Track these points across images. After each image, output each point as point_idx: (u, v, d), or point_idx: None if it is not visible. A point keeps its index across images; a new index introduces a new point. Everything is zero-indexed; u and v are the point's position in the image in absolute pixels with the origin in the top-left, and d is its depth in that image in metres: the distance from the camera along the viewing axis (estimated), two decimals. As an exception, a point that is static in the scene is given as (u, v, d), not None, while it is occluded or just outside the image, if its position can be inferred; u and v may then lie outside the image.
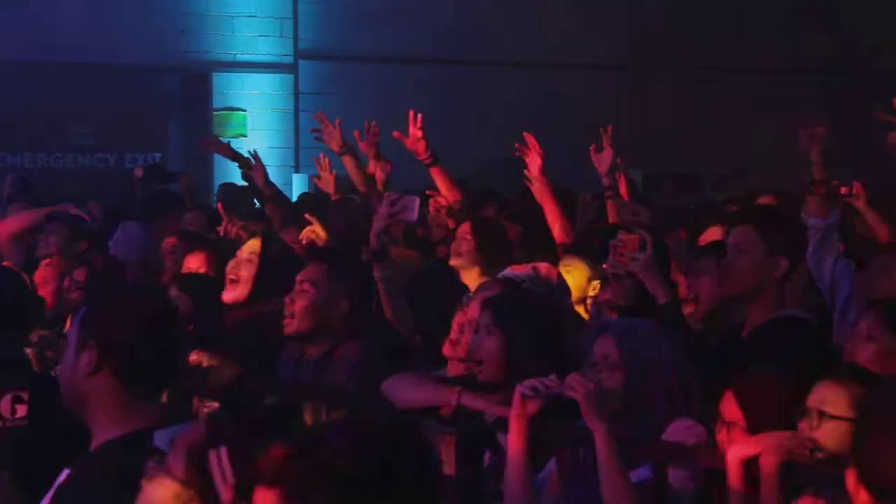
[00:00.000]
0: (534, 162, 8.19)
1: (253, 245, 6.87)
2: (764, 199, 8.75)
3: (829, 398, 4.10)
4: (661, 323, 5.44)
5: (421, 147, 8.44)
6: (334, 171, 9.37)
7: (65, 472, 3.42)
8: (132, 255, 8.17)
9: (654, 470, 4.45)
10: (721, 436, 4.41)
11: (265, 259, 6.77)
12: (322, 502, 2.38)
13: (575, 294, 6.78)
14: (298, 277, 6.20)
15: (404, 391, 5.40)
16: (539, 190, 8.20)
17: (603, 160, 8.43)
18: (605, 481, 4.38)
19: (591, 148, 8.46)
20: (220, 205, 10.02)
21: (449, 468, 4.94)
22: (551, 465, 4.79)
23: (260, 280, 6.72)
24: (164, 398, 3.64)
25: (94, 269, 7.67)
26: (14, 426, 4.51)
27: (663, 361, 4.77)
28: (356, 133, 9.07)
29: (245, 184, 10.39)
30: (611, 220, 8.29)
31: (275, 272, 6.69)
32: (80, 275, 7.61)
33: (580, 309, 6.80)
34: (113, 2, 16.96)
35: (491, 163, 14.78)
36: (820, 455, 4.01)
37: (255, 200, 10.18)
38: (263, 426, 2.85)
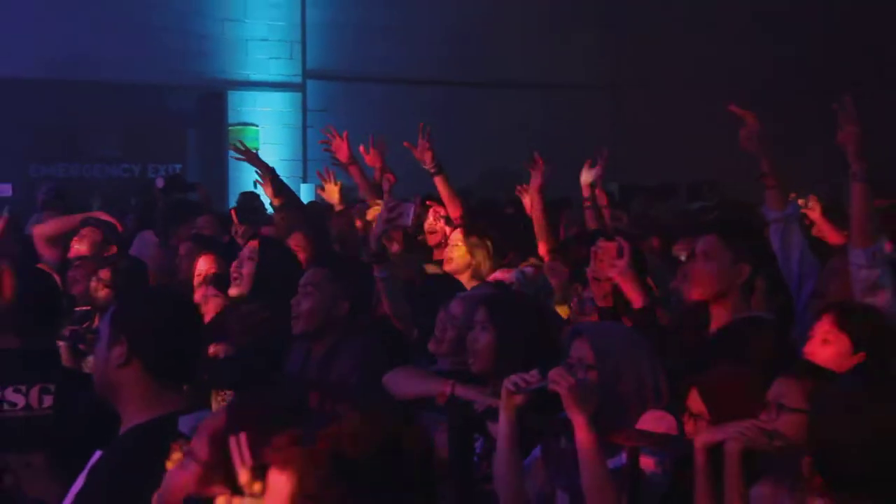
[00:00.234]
0: (536, 179, 8.24)
1: (252, 245, 6.88)
2: (730, 211, 8.77)
3: (787, 393, 4.09)
4: (635, 325, 5.49)
5: (428, 157, 8.39)
6: (339, 182, 9.37)
7: (97, 454, 3.45)
8: (147, 261, 8.17)
9: (629, 457, 4.45)
10: (688, 427, 4.43)
11: (265, 258, 6.77)
12: (328, 485, 2.37)
13: (556, 294, 6.81)
14: (302, 281, 6.19)
15: (403, 383, 5.44)
16: (533, 204, 8.25)
17: (590, 175, 8.47)
18: (584, 467, 4.39)
19: (587, 162, 8.50)
20: (233, 210, 10.01)
21: (444, 453, 4.97)
22: (537, 451, 4.81)
23: (260, 276, 6.71)
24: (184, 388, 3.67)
25: (118, 270, 7.67)
26: (41, 415, 4.52)
27: (635, 362, 4.75)
28: (361, 147, 9.07)
29: (259, 191, 10.41)
30: (589, 227, 8.31)
31: (275, 272, 6.69)
32: (105, 275, 7.61)
33: (562, 308, 6.80)
34: (138, 27, 16.93)
35: (488, 175, 14.80)
36: (778, 444, 4.01)
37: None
38: (277, 415, 2.86)
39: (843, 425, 2.90)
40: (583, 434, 4.40)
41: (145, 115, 17.67)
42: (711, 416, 4.35)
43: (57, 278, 7.44)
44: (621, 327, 5.20)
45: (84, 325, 7.09)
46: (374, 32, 18.47)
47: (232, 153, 9.95)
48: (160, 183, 9.89)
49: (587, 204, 8.52)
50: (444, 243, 7.91)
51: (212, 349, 6.15)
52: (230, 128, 18.10)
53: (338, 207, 9.19)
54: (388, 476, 2.40)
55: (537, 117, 18.53)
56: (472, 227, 7.63)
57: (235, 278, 6.75)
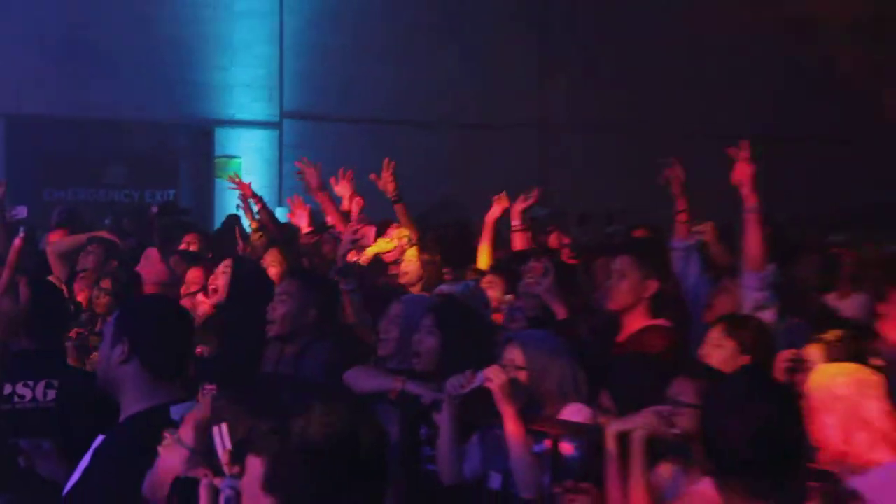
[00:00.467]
0: (496, 210, 8.40)
1: (227, 262, 6.88)
2: (638, 232, 8.82)
3: (683, 390, 4.13)
4: (558, 332, 5.51)
5: (390, 188, 8.44)
6: (308, 206, 9.34)
7: (100, 438, 3.46)
8: (150, 273, 8.14)
9: (551, 443, 4.49)
10: (600, 418, 4.46)
11: (236, 272, 6.77)
12: (297, 468, 2.38)
13: (493, 305, 6.83)
14: (277, 291, 6.16)
15: (361, 380, 5.42)
16: (485, 229, 8.38)
17: (521, 204, 8.52)
18: (513, 451, 4.44)
19: (522, 196, 8.56)
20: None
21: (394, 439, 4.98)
22: (474, 438, 4.82)
23: (233, 288, 6.71)
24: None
25: (117, 281, 7.65)
26: (45, 407, 4.51)
27: (558, 364, 4.77)
28: (332, 179, 9.06)
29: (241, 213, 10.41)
30: (516, 248, 8.39)
31: (246, 285, 6.71)
32: (106, 284, 7.59)
33: (497, 316, 6.81)
34: (140, 74, 16.87)
35: (438, 203, 14.79)
36: (677, 432, 4.06)
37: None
38: (254, 408, 2.86)
39: (728, 418, 2.93)
40: (512, 423, 4.44)
41: (145, 148, 17.62)
42: (619, 408, 4.38)
43: (65, 288, 7.45)
44: (546, 334, 5.18)
45: (88, 328, 7.06)
46: (342, 80, 18.47)
47: (229, 183, 9.93)
48: (155, 209, 9.85)
49: (516, 229, 8.56)
50: (399, 259, 7.93)
51: (198, 349, 6.13)
52: (217, 160, 18.05)
53: (306, 230, 9.18)
54: (349, 459, 2.40)
55: (481, 152, 18.55)
56: (424, 246, 7.65)
57: (213, 290, 6.75)
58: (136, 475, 2.91)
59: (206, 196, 17.68)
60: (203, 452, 2.79)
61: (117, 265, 8.19)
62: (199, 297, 7.14)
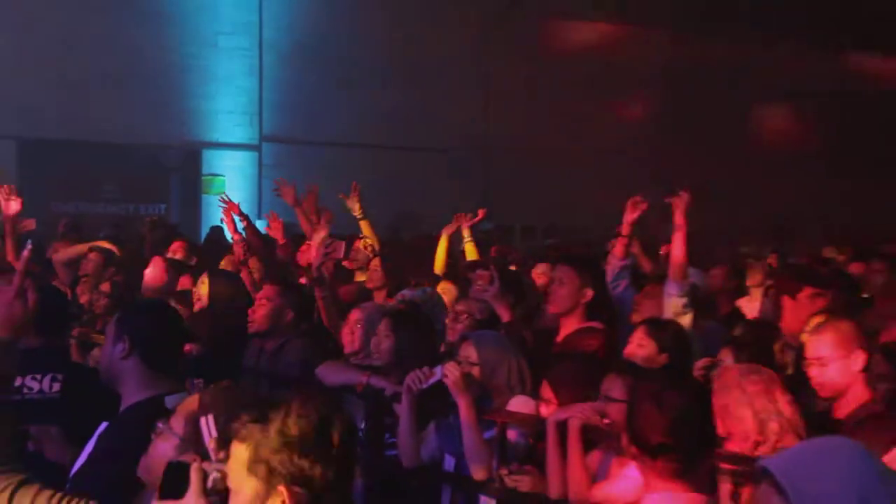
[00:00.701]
0: (452, 227, 8.49)
1: (203, 277, 6.88)
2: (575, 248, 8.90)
3: (613, 386, 4.15)
4: (505, 333, 5.52)
5: (356, 206, 8.48)
6: (282, 220, 9.30)
7: (104, 425, 3.44)
8: (153, 279, 8.10)
9: (499, 430, 4.48)
10: (542, 409, 4.47)
11: (214, 281, 6.79)
12: (276, 454, 2.37)
13: (448, 308, 6.82)
14: (258, 295, 6.18)
15: (331, 374, 5.42)
16: (441, 241, 8.44)
17: (469, 222, 8.55)
18: (466, 437, 4.43)
19: (470, 215, 8.58)
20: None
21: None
22: (431, 426, 4.82)
23: (212, 294, 6.72)
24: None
25: (115, 285, 7.60)
26: (51, 398, 4.48)
27: (506, 360, 4.77)
28: (301, 196, 9.04)
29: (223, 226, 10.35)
30: (467, 258, 8.40)
31: (222, 295, 6.73)
32: (105, 288, 7.55)
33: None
34: (136, 100, 16.79)
35: (398, 218, 14.82)
36: (607, 421, 4.07)
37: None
38: (238, 401, 2.85)
39: (649, 408, 2.95)
40: (465, 412, 4.43)
41: (139, 167, 17.51)
42: (559, 400, 4.39)
43: (69, 292, 7.38)
44: (496, 334, 5.18)
45: (89, 327, 6.99)
46: (313, 108, 18.46)
47: (215, 198, 9.87)
48: (147, 225, 9.80)
49: (467, 242, 8.59)
50: (365, 268, 7.92)
51: (186, 347, 6.10)
52: (203, 177, 18.00)
53: (281, 241, 9.15)
54: (322, 446, 2.40)
55: (433, 172, 18.59)
56: (387, 256, 7.66)
57: (197, 299, 6.75)
58: (135, 459, 2.89)
59: (193, 210, 17.65)
60: (192, 440, 2.77)
61: (115, 271, 8.14)
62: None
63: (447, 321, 5.91)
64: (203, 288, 6.71)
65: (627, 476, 3.87)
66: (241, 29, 18.31)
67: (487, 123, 20.35)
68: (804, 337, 4.41)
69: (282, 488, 2.34)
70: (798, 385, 4.17)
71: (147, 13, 17.18)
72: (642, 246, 8.63)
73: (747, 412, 3.72)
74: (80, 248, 8.52)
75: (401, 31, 19.14)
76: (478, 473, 4.43)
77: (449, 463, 4.68)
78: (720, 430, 3.72)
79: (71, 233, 10.48)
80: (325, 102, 18.50)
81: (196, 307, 6.69)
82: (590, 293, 5.51)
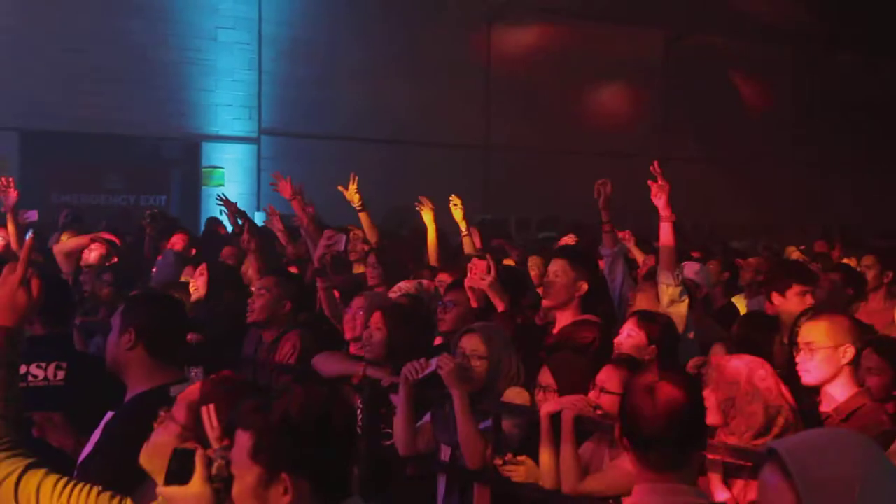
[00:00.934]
0: (429, 211, 8.41)
1: (202, 267, 6.91)
2: (566, 238, 8.87)
3: (608, 378, 4.17)
4: (500, 324, 5.51)
5: (356, 198, 8.49)
6: (279, 213, 9.30)
7: (109, 414, 3.46)
8: (163, 271, 8.13)
9: (494, 420, 4.50)
10: (539, 397, 4.47)
11: (213, 273, 6.80)
12: (279, 441, 2.40)
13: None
14: (257, 285, 6.19)
15: (327, 365, 5.41)
16: (430, 230, 8.42)
17: (459, 214, 8.55)
18: (460, 428, 4.45)
19: (451, 206, 8.58)
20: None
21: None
22: (427, 416, 4.83)
23: (210, 287, 6.75)
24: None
25: (116, 275, 7.62)
26: (56, 385, 4.51)
27: (508, 352, 4.78)
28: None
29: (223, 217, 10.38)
30: (465, 251, 8.38)
31: (220, 284, 6.76)
32: (108, 278, 7.56)
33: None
34: (138, 94, 16.82)
35: (394, 211, 14.81)
36: (600, 412, 4.09)
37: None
38: (240, 390, 2.87)
39: (641, 400, 2.96)
40: (459, 403, 4.45)
41: (141, 159, 17.53)
42: (558, 386, 4.41)
43: (70, 281, 7.38)
44: (498, 327, 5.14)
45: (91, 316, 7.02)
46: (311, 102, 18.48)
47: (214, 190, 9.87)
48: (147, 218, 9.80)
49: (464, 235, 8.59)
50: (363, 260, 7.94)
51: (189, 336, 6.12)
52: (203, 169, 18.02)
53: (281, 234, 9.15)
54: (324, 434, 2.42)
55: (433, 167, 18.59)
56: (386, 250, 7.67)
57: (195, 289, 6.77)
58: (140, 447, 2.92)
59: (193, 201, 17.67)
60: (192, 429, 2.79)
61: (117, 261, 8.16)
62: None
63: (438, 310, 5.93)
64: (201, 279, 6.73)
65: (619, 467, 3.90)
66: (240, 24, 18.31)
67: (487, 118, 20.40)
68: (801, 322, 4.44)
69: (284, 475, 2.37)
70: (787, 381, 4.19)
71: (148, 7, 17.21)
72: (636, 239, 8.68)
73: (759, 408, 3.72)
74: (82, 239, 8.53)
75: (399, 26, 19.16)
76: (472, 463, 4.44)
77: (445, 453, 4.70)
78: (720, 423, 3.77)
79: (73, 223, 10.47)
80: (324, 96, 18.53)
81: (193, 298, 6.70)
82: (584, 286, 5.51)
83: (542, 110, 20.58)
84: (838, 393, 4.06)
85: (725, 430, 3.81)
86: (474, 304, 5.96)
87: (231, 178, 17.98)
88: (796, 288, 5.92)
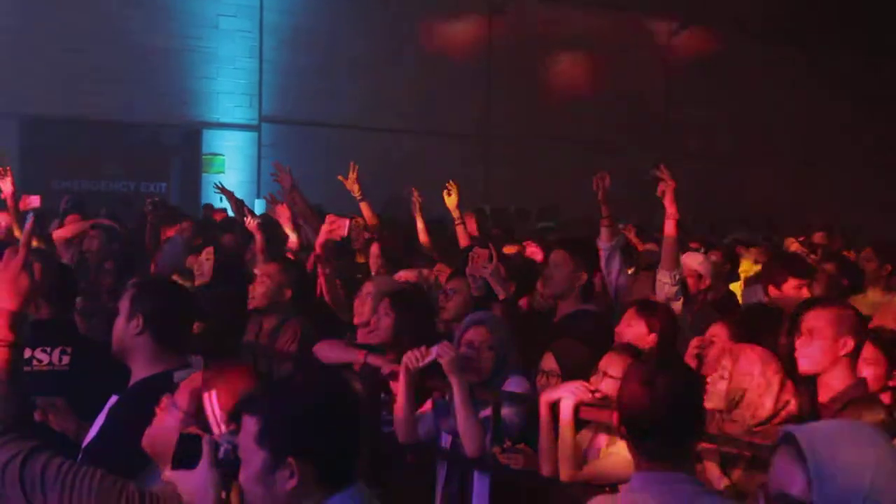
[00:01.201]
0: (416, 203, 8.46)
1: (209, 250, 6.90)
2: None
3: (612, 364, 4.20)
4: (502, 312, 5.54)
5: (355, 188, 8.50)
6: (280, 200, 9.31)
7: (114, 398, 3.48)
8: (169, 257, 8.14)
9: (493, 408, 4.52)
10: (542, 382, 4.51)
11: (219, 257, 6.80)
12: (286, 426, 2.42)
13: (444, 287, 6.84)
14: (258, 272, 6.20)
15: (328, 352, 5.43)
16: (417, 218, 8.49)
17: (451, 202, 8.57)
18: (460, 416, 4.47)
19: (444, 193, 8.60)
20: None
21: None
22: (428, 404, 4.85)
23: (217, 270, 6.74)
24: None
25: (117, 261, 7.64)
26: (60, 370, 4.53)
27: (510, 343, 4.80)
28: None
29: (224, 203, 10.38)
30: (461, 242, 8.39)
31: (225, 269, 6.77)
32: (109, 265, 7.59)
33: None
34: (139, 81, 16.80)
35: (392, 200, 14.82)
36: (600, 395, 4.11)
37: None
38: (244, 376, 2.89)
39: (640, 392, 2.98)
40: (459, 392, 4.47)
41: (141, 146, 17.52)
42: (562, 370, 4.44)
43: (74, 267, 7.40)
44: (500, 318, 5.18)
45: (92, 301, 7.03)
46: (312, 90, 18.48)
47: (214, 177, 9.87)
48: (149, 206, 9.81)
49: (458, 223, 8.62)
50: (364, 248, 7.97)
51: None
52: (204, 157, 18.01)
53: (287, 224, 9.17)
54: (331, 417, 2.45)
55: (433, 156, 18.60)
56: (387, 239, 7.70)
57: (199, 274, 6.77)
58: (144, 432, 2.94)
59: (193, 188, 17.66)
60: (195, 415, 2.81)
61: (118, 248, 8.18)
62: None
63: (440, 298, 5.95)
64: (206, 264, 6.73)
65: (617, 454, 3.93)
66: (242, 11, 18.29)
67: (487, 107, 20.40)
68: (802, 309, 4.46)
69: (291, 460, 2.39)
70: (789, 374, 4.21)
71: (150, -6, 17.21)
72: (637, 231, 8.71)
73: (769, 401, 3.78)
74: (83, 225, 8.55)
75: (400, 15, 19.15)
76: (471, 451, 4.46)
77: (445, 440, 4.73)
78: (723, 409, 3.81)
79: (73, 209, 10.48)
80: (325, 85, 18.52)
81: (197, 282, 6.71)
82: (584, 276, 5.54)
83: (543, 100, 20.58)
84: (835, 383, 4.09)
85: (726, 417, 3.85)
86: (474, 293, 5.97)
87: (231, 166, 17.98)
88: (792, 281, 5.94)
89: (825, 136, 22.92)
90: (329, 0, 18.83)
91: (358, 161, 8.69)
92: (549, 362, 4.53)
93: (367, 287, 5.82)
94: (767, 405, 3.78)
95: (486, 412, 4.54)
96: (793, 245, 10.74)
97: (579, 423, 4.18)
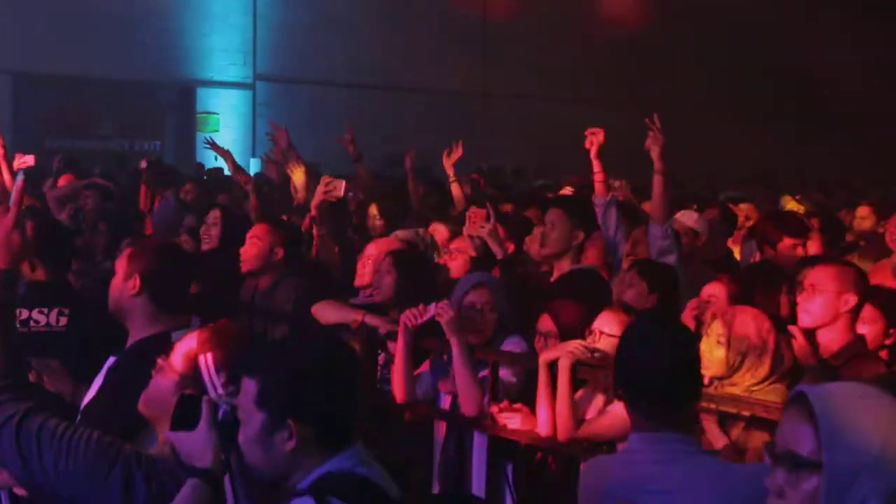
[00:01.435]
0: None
1: (216, 213, 6.84)
2: (566, 190, 8.85)
3: (607, 322, 4.21)
4: (500, 272, 5.54)
5: (351, 149, 8.46)
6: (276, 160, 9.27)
7: (111, 359, 3.48)
8: (164, 214, 8.12)
9: (491, 368, 4.52)
10: (539, 344, 4.52)
11: (227, 221, 6.73)
12: (285, 387, 2.42)
13: (440, 247, 6.84)
14: (248, 234, 6.16)
15: (326, 313, 5.39)
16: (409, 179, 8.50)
17: (449, 160, 8.56)
18: (458, 376, 4.49)
19: (445, 152, 8.57)
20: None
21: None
22: (426, 364, 4.87)
23: (224, 236, 6.68)
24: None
25: (111, 220, 7.62)
26: (57, 331, 4.52)
27: (509, 303, 4.80)
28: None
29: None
30: (455, 200, 8.37)
31: (234, 233, 6.70)
32: (102, 225, 7.57)
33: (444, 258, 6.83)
34: (133, 38, 16.72)
35: (388, 158, 14.80)
36: (598, 355, 4.12)
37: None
38: (239, 338, 2.88)
39: (639, 351, 2.98)
40: (457, 352, 4.48)
41: (135, 104, 17.48)
42: (560, 331, 4.44)
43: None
44: (501, 280, 5.18)
45: (87, 261, 7.02)
46: (307, 47, 18.40)
47: (204, 143, 9.82)
48: (143, 164, 9.76)
49: (452, 181, 8.58)
50: (360, 209, 7.96)
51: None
52: (198, 115, 17.98)
53: (277, 182, 9.15)
54: (330, 377, 2.45)
55: (428, 115, 18.56)
56: (382, 197, 7.68)
57: (205, 239, 6.72)
58: (141, 392, 2.94)
59: (188, 147, 17.62)
60: (191, 376, 2.80)
61: (112, 207, 8.16)
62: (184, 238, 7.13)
63: (443, 259, 5.93)
64: (214, 229, 6.67)
65: (614, 413, 3.93)
66: (235, -34, 18.19)
67: (484, 66, 20.31)
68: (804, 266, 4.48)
69: (290, 421, 2.39)
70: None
71: (144, -49, 17.07)
72: (632, 188, 8.66)
73: (767, 360, 3.85)
74: (76, 184, 8.52)
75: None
76: (469, 411, 4.48)
77: (443, 400, 4.74)
78: (725, 375, 3.84)
79: (66, 169, 10.45)
80: (320, 42, 18.42)
81: (204, 247, 6.67)
82: (581, 235, 5.52)
83: (540, 57, 20.48)
84: (834, 340, 4.10)
85: (725, 382, 3.87)
86: (472, 253, 5.95)
87: (226, 124, 17.94)
88: (787, 241, 5.94)
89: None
90: (324, -44, 18.71)
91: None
92: (545, 323, 4.53)
93: (369, 249, 5.81)
94: (765, 364, 3.83)
95: (485, 372, 4.55)
96: (789, 203, 10.72)
97: (577, 383, 4.18)
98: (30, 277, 4.60)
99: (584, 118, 6.77)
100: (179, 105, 18.12)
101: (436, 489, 4.73)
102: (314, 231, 6.51)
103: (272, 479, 2.49)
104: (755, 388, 3.83)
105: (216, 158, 10.29)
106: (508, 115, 20.13)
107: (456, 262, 5.90)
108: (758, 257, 6.34)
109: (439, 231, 7.03)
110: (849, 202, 9.76)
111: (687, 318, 4.68)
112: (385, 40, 18.70)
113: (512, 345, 4.66)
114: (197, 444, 2.54)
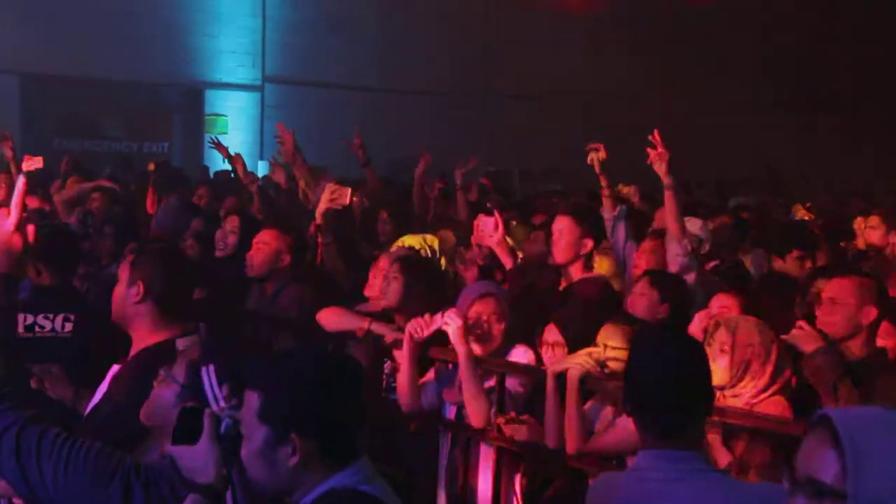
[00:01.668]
0: (420, 166, 8.45)
1: (234, 220, 6.79)
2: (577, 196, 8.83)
3: (612, 335, 4.17)
4: (508, 282, 5.50)
5: (360, 153, 8.43)
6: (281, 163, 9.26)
7: (115, 367, 3.45)
8: (165, 220, 8.10)
9: (497, 379, 4.49)
10: (547, 354, 4.48)
11: (243, 230, 6.67)
12: (288, 401, 2.39)
13: (447, 254, 6.82)
14: (255, 239, 6.12)
15: (332, 320, 5.36)
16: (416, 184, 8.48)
17: (459, 170, 8.53)
18: (465, 386, 4.45)
19: (461, 162, 8.53)
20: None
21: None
22: (431, 373, 4.83)
23: (241, 245, 6.63)
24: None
25: (118, 225, 7.59)
26: (63, 337, 4.51)
27: (513, 314, 4.77)
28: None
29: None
30: (460, 208, 8.35)
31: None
32: (110, 229, 7.53)
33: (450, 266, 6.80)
34: (141, 39, 16.72)
35: (393, 162, 14.79)
36: (607, 370, 4.09)
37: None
38: (243, 350, 2.85)
39: (648, 363, 2.94)
40: (464, 361, 4.45)
41: (143, 106, 17.50)
42: (567, 342, 4.40)
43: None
44: (504, 289, 5.14)
45: (93, 266, 6.99)
46: (316, 50, 18.40)
47: (209, 143, 9.81)
48: (151, 167, 9.75)
49: (459, 188, 8.57)
50: (368, 216, 7.95)
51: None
52: (206, 117, 17.99)
53: (284, 186, 9.12)
54: (335, 388, 2.42)
55: (436, 117, 18.54)
56: (392, 204, 7.67)
57: (220, 246, 6.67)
58: (144, 402, 2.91)
59: (195, 149, 17.63)
60: (193, 389, 2.77)
61: (119, 210, 8.14)
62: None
63: (460, 268, 5.89)
64: (232, 237, 6.62)
65: (623, 427, 3.89)
66: (243, -33, 18.21)
67: (487, 68, 20.26)
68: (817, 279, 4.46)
69: (293, 436, 2.36)
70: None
71: (152, -49, 17.09)
72: (642, 195, 8.62)
73: (769, 368, 3.84)
74: (84, 187, 8.51)
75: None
76: (476, 422, 4.45)
77: (449, 411, 4.72)
78: (728, 384, 3.81)
79: (74, 171, 10.44)
80: (329, 45, 18.41)
81: (219, 254, 6.62)
82: (590, 244, 5.50)
83: (545, 57, 20.41)
84: (854, 353, 4.08)
85: (728, 392, 3.83)
86: (479, 262, 5.92)
87: (234, 126, 17.95)
88: (796, 253, 5.91)
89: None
90: (332, -42, 18.70)
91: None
92: (552, 334, 4.50)
93: (382, 261, 5.76)
94: (767, 372, 3.82)
95: (491, 382, 4.53)
96: (800, 212, 10.67)
97: (586, 395, 4.15)
98: (35, 282, 4.60)
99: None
100: (187, 107, 18.14)
101: (441, 501, 4.70)
102: (319, 239, 6.47)
103: (275, 494, 2.45)
104: (755, 399, 3.82)
105: (224, 161, 10.26)
106: (513, 117, 20.06)
107: (471, 271, 5.86)
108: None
109: (446, 238, 7.01)
110: (864, 210, 9.68)
111: (696, 330, 4.63)
112: (396, 42, 18.68)
113: (518, 355, 4.63)
114: (198, 459, 2.50)
